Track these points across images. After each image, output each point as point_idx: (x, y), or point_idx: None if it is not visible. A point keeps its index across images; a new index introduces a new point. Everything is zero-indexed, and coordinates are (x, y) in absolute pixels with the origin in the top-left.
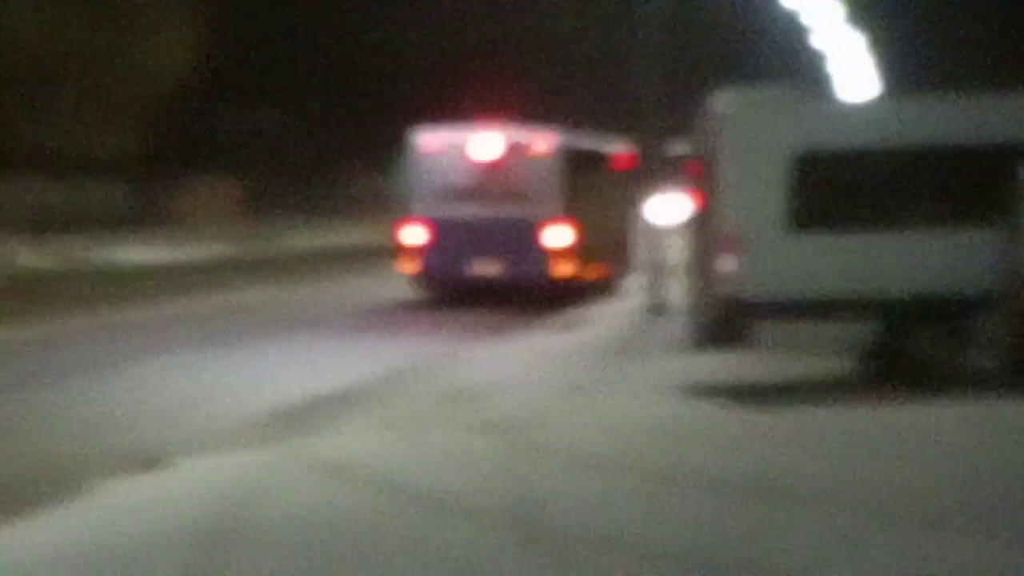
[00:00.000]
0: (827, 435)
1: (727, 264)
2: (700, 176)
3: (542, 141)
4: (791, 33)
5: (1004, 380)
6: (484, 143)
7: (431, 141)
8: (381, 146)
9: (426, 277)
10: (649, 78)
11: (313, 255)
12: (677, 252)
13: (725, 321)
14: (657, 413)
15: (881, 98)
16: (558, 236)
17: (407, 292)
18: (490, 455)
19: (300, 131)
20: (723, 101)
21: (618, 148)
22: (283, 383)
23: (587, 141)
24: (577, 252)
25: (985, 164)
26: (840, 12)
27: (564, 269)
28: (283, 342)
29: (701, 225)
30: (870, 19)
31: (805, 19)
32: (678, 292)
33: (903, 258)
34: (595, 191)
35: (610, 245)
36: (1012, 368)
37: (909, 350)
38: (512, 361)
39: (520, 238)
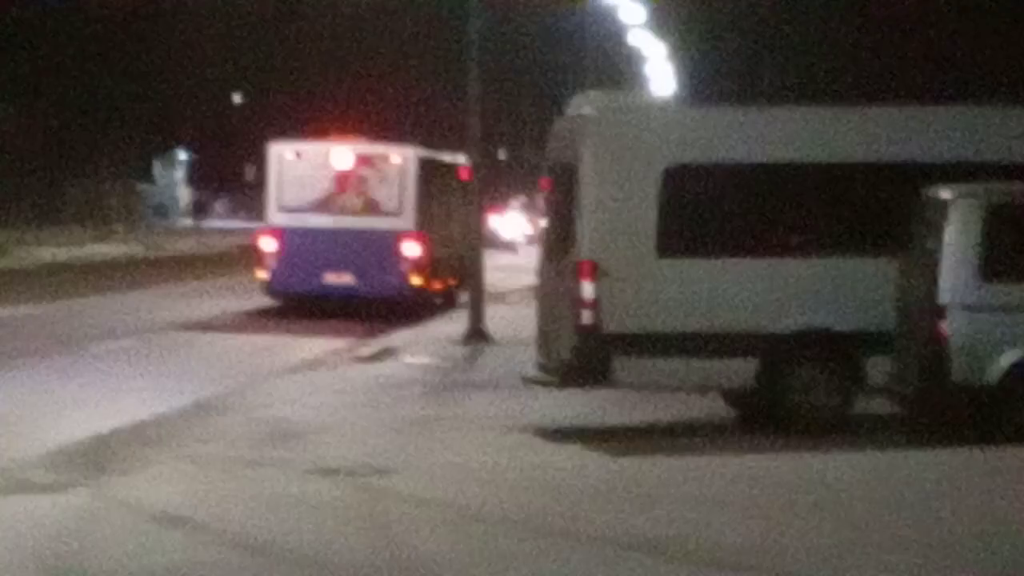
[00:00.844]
0: (696, 489)
1: (586, 292)
2: (555, 191)
3: (396, 153)
4: (609, 35)
5: (899, 426)
6: (340, 155)
7: (287, 152)
8: (134, 150)
9: (276, 286)
10: (474, 89)
11: (64, 267)
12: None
13: (582, 356)
14: (520, 458)
15: (766, 106)
16: (412, 247)
17: (184, 311)
18: (345, 504)
19: (38, 129)
20: (584, 105)
21: (461, 161)
22: (67, 416)
23: (437, 153)
24: (429, 263)
25: (883, 184)
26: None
27: (417, 280)
28: (55, 368)
29: (555, 246)
30: (669, 25)
31: (621, 17)
32: (509, 319)
33: (787, 288)
34: (444, 203)
35: (456, 258)
36: (912, 413)
37: (790, 391)
38: (329, 394)
39: (375, 249)
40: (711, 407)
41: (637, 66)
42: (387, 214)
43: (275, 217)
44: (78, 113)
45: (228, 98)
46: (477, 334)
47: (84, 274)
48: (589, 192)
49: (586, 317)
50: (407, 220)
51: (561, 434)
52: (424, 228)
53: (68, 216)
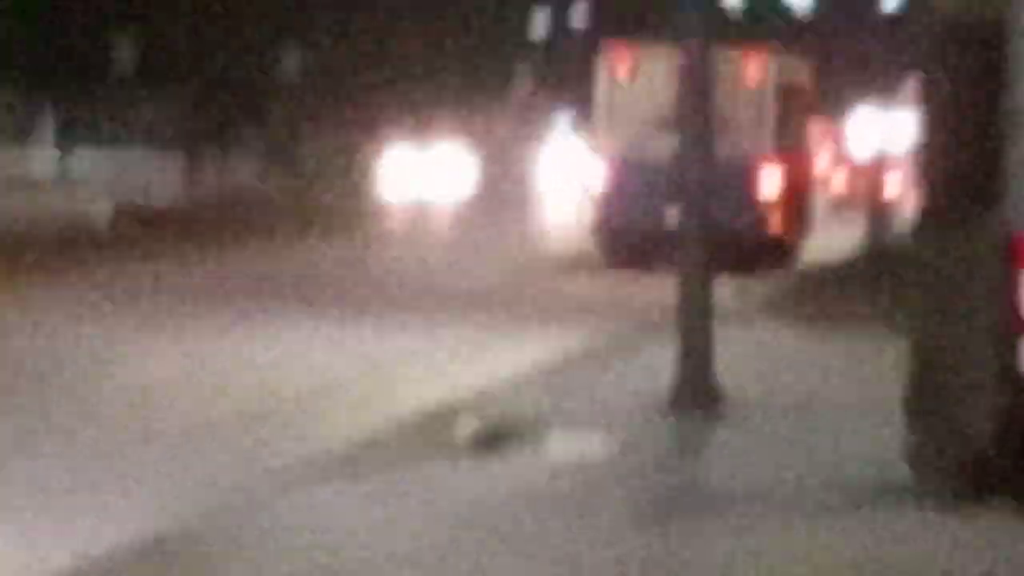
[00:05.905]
0: None
1: None
2: (948, 87)
3: (752, 60)
4: None
5: None
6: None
7: (624, 58)
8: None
9: (609, 224)
10: None
11: None
12: None
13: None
14: None
15: None
16: (770, 182)
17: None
18: None
19: None
20: None
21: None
22: None
23: (795, 64)
24: (787, 204)
25: None
26: None
27: (774, 225)
28: None
29: (951, 200)
30: None
31: None
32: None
33: None
34: (800, 128)
35: (806, 197)
36: None
37: None
38: (426, 522)
39: (727, 184)
40: None
41: None
42: (740, 137)
43: (606, 147)
44: None
45: None
46: (698, 389)
47: None
48: None
49: None
50: (765, 146)
51: None
52: (783, 157)
53: None
